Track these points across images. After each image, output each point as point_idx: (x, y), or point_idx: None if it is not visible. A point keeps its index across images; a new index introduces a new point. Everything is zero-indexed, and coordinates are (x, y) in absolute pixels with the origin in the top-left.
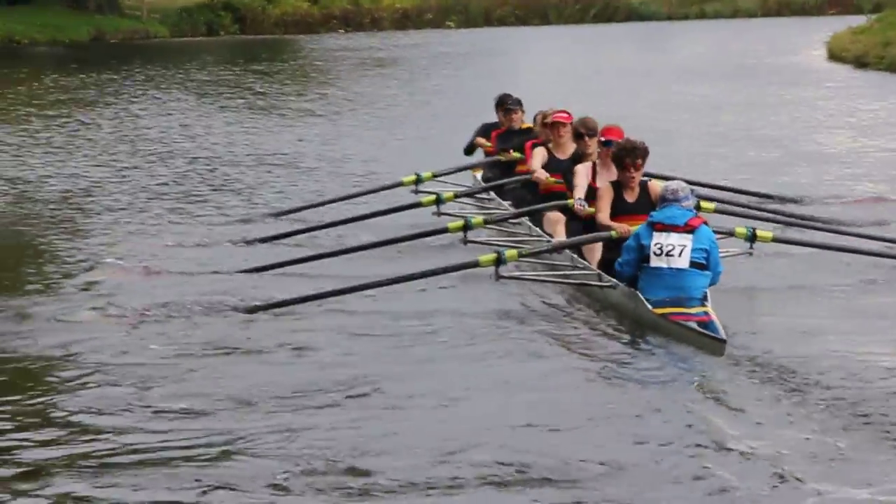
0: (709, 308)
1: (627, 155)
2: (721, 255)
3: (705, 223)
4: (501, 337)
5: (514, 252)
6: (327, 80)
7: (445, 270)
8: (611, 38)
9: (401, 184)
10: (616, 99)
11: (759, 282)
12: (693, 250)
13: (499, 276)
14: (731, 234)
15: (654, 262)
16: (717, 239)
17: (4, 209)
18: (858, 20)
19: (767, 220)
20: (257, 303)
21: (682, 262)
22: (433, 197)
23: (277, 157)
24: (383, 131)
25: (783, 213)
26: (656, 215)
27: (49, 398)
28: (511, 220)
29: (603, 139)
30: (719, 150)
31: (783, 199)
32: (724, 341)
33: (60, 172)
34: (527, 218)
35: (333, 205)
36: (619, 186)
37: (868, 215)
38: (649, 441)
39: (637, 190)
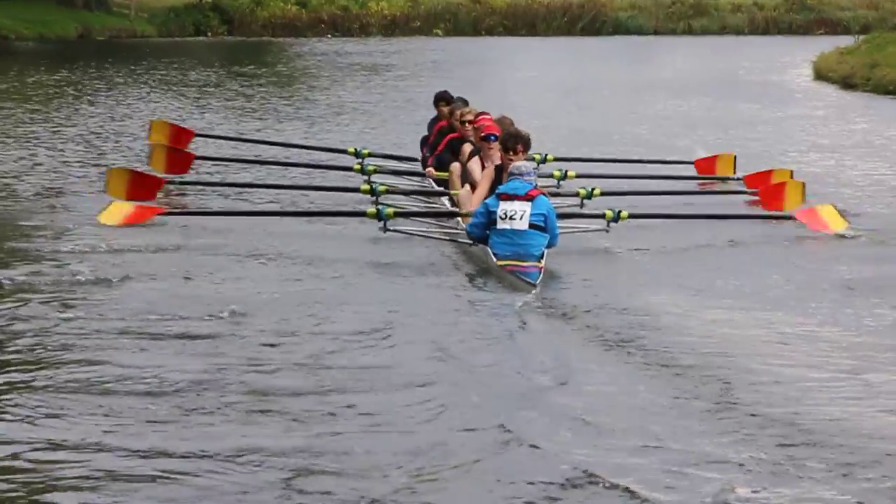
0: (541, 263)
1: (509, 141)
2: (588, 228)
3: (543, 194)
4: (377, 277)
5: (391, 211)
6: (312, 84)
7: (339, 214)
8: (597, 50)
9: (344, 151)
10: (596, 111)
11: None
12: (532, 215)
13: (386, 230)
14: (602, 215)
15: (500, 224)
16: (590, 218)
17: None
18: (846, 41)
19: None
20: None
21: (523, 225)
22: (368, 187)
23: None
24: (365, 135)
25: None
26: (502, 187)
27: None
28: (427, 213)
29: (483, 134)
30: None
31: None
32: (533, 285)
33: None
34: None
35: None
36: (500, 170)
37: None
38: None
39: None
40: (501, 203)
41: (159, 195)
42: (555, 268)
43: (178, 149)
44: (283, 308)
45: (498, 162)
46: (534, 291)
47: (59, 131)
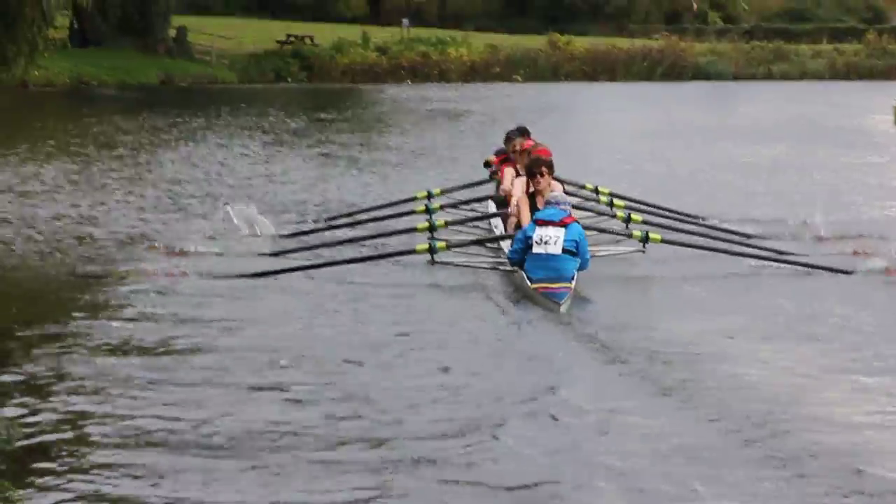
0: (571, 285)
1: (534, 165)
2: (620, 250)
3: (576, 222)
4: (424, 306)
5: (443, 244)
6: (390, 130)
7: (390, 255)
8: (677, 96)
9: (414, 198)
10: (676, 157)
11: (648, 274)
12: (565, 240)
13: (434, 262)
14: (629, 234)
15: (536, 248)
16: (619, 239)
17: (48, 242)
18: None
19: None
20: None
21: (556, 249)
22: (427, 225)
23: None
24: (439, 177)
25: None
26: (539, 214)
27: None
28: (473, 242)
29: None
30: (771, 209)
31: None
32: (559, 304)
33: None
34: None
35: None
36: (532, 197)
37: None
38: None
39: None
40: (538, 228)
41: None
42: (589, 291)
43: None
44: (334, 350)
45: (542, 188)
46: (561, 310)
47: (139, 177)
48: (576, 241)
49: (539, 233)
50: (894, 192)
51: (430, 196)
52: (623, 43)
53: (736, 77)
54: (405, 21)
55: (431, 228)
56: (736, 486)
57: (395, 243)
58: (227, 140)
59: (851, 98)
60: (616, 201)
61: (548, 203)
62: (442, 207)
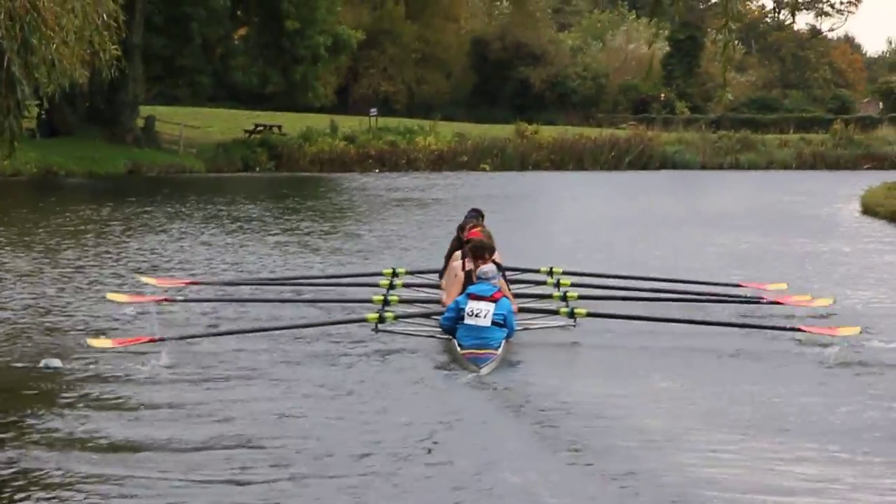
0: (497, 352)
1: (478, 250)
2: (552, 324)
3: (505, 297)
4: (367, 362)
5: (391, 314)
6: (356, 218)
7: (340, 322)
8: (644, 184)
9: (380, 273)
10: (643, 245)
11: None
12: (494, 314)
13: (378, 330)
14: (557, 311)
15: (467, 320)
16: (544, 316)
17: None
18: (894, 175)
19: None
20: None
21: (486, 322)
22: (381, 298)
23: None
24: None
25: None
26: (472, 288)
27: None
28: (418, 314)
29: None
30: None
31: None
32: (477, 370)
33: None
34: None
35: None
36: (469, 274)
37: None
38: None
39: None
40: (470, 302)
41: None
42: (516, 358)
43: None
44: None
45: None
46: (482, 372)
47: (97, 264)
48: (503, 315)
49: (471, 306)
50: (851, 278)
51: (394, 273)
52: (591, 132)
53: (703, 166)
54: (373, 110)
55: (385, 302)
56: None
57: (348, 312)
58: (189, 228)
59: (819, 187)
60: (563, 279)
61: (479, 279)
62: (403, 285)
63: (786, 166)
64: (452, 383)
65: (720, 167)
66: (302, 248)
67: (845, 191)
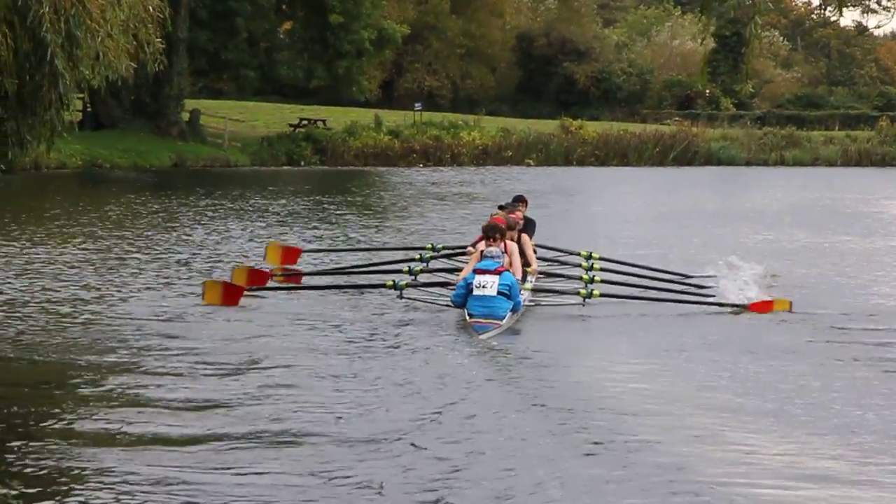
0: (501, 321)
1: (489, 230)
2: (563, 303)
3: (507, 270)
4: (384, 332)
5: (405, 282)
6: (400, 212)
7: (363, 286)
8: (688, 180)
9: (423, 247)
10: (680, 239)
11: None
12: (499, 285)
13: (402, 297)
14: (577, 292)
15: (476, 291)
16: (565, 294)
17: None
18: None
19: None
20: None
21: (492, 292)
22: (408, 269)
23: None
24: None
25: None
26: (478, 265)
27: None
28: (434, 283)
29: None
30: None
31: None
32: (480, 335)
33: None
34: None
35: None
36: (483, 254)
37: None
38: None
39: None
40: (477, 276)
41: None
42: (523, 328)
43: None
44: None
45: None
46: (481, 338)
47: (149, 256)
48: (508, 286)
49: (478, 279)
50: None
51: (433, 248)
52: (635, 128)
53: (748, 163)
54: (418, 105)
55: (410, 272)
56: (583, 488)
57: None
58: (235, 221)
59: (864, 184)
60: (596, 264)
61: (484, 257)
62: (437, 258)
63: (831, 163)
64: (452, 349)
65: (765, 163)
66: (345, 240)
67: (892, 188)
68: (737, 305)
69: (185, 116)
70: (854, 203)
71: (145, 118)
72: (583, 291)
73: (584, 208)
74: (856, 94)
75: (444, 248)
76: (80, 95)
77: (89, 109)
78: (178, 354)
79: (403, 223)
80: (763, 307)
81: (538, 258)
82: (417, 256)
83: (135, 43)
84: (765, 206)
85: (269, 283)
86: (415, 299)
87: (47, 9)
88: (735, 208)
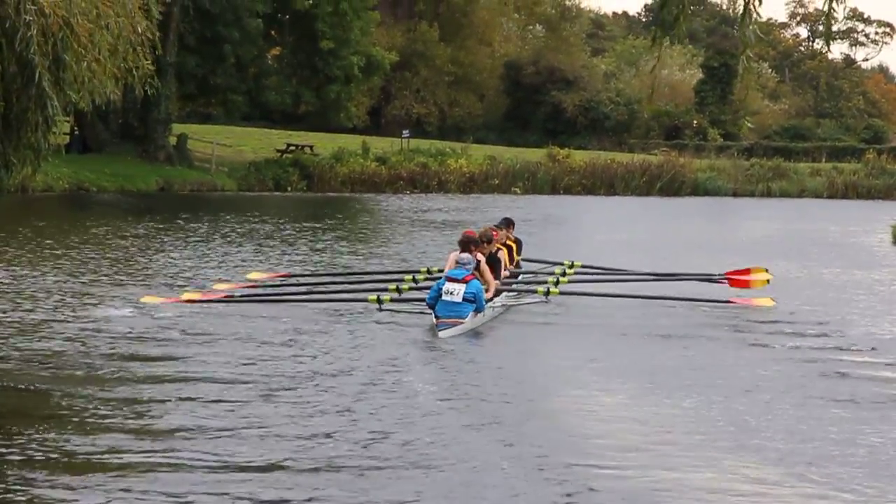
0: (464, 321)
1: (463, 242)
2: (528, 301)
3: (475, 278)
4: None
5: (387, 297)
6: (384, 238)
7: (349, 300)
8: (677, 210)
9: (417, 271)
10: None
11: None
12: (465, 292)
13: (381, 309)
14: (534, 291)
15: (445, 297)
16: (531, 294)
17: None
18: None
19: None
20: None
21: (458, 298)
22: (395, 287)
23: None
24: None
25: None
26: (449, 273)
27: None
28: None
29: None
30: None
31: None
32: (440, 332)
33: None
34: None
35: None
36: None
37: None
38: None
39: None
40: (447, 283)
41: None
42: (487, 327)
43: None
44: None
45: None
46: (440, 335)
47: (130, 274)
48: (473, 293)
49: (447, 286)
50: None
51: (428, 271)
52: (623, 157)
53: (735, 193)
54: (405, 132)
55: (397, 290)
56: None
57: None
58: (218, 245)
59: (850, 216)
60: (569, 270)
61: (456, 264)
62: (427, 279)
63: (817, 195)
64: (414, 343)
65: (751, 195)
66: (329, 266)
67: (876, 221)
68: (713, 277)
69: (173, 141)
70: (837, 235)
71: (133, 142)
72: (540, 290)
73: (569, 233)
74: (843, 127)
75: (439, 270)
76: (67, 119)
77: (76, 133)
78: (147, 372)
79: (390, 248)
80: (742, 282)
81: (524, 272)
82: (410, 278)
83: (123, 66)
84: (753, 236)
85: (255, 290)
86: (394, 311)
87: (35, 31)
88: (725, 238)
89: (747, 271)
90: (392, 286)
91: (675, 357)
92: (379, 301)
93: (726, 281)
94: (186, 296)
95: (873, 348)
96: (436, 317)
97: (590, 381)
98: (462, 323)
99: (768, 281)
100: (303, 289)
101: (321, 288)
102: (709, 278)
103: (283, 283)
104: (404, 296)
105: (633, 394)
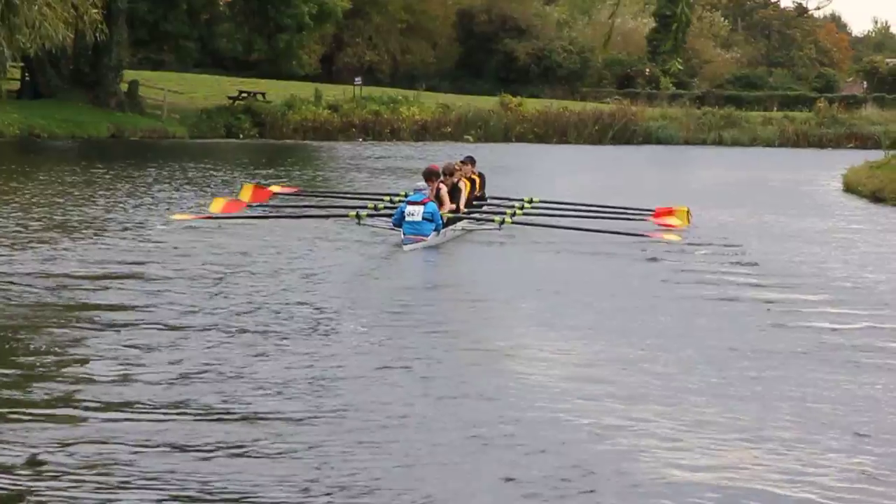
0: (426, 238)
1: (426, 173)
2: (484, 228)
3: (431, 201)
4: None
5: (365, 213)
6: (335, 184)
7: (333, 215)
8: (629, 158)
9: (397, 194)
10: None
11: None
12: (423, 213)
13: (360, 223)
14: (492, 220)
15: (407, 218)
16: (489, 223)
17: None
18: (876, 154)
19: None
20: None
21: (418, 218)
22: (373, 205)
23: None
24: None
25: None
26: (409, 197)
27: None
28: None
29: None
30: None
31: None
32: (406, 246)
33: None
34: None
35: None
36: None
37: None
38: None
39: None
40: (408, 206)
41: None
42: (446, 246)
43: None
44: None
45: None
46: (404, 249)
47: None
48: (430, 213)
49: (408, 209)
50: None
51: (406, 195)
52: (575, 106)
53: (687, 142)
54: (357, 79)
55: (375, 207)
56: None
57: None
58: (168, 190)
59: (802, 165)
60: (527, 204)
61: (415, 190)
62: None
63: (769, 144)
64: (383, 256)
65: (703, 143)
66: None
67: (828, 169)
68: (642, 211)
69: (124, 87)
70: (789, 183)
71: (84, 88)
72: (497, 219)
73: (519, 180)
74: (795, 76)
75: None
76: (18, 64)
77: (28, 79)
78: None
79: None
80: (665, 214)
81: (488, 203)
82: (387, 198)
83: (74, 12)
84: (705, 184)
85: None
86: (372, 226)
87: None
88: (677, 187)
89: (671, 210)
90: (371, 204)
91: (584, 278)
92: (358, 217)
93: (652, 216)
94: (178, 216)
95: (788, 277)
96: (403, 234)
97: (509, 288)
98: (424, 240)
99: (688, 215)
100: (293, 210)
101: (309, 203)
102: (640, 213)
103: (267, 210)
104: (380, 212)
105: (548, 304)
